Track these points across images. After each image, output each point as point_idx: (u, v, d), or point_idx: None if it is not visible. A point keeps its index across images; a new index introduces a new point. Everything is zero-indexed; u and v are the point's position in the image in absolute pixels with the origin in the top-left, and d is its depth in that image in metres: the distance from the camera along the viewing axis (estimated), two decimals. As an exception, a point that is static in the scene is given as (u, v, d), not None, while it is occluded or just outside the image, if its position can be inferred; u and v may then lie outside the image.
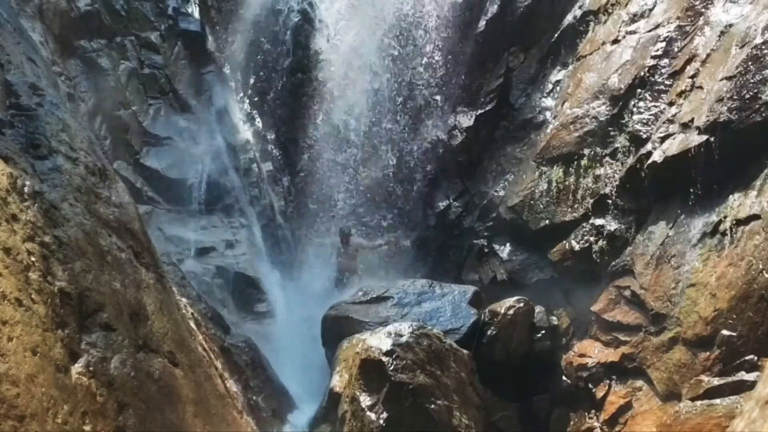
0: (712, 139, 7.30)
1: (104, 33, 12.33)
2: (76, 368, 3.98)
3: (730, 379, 6.44)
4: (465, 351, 7.88)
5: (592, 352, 8.21)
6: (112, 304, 4.55)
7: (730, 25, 7.75)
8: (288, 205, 13.12)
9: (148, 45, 12.96)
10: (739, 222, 6.86)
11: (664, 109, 8.22)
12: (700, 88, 7.75)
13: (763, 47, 7.08)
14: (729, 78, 7.28)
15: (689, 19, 8.43)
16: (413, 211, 12.09)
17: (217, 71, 13.74)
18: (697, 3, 8.39)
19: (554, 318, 8.98)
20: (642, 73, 8.60)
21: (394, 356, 6.99)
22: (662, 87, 8.38)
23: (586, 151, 9.04)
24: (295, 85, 13.28)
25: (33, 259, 4.01)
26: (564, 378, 8.41)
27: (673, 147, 7.76)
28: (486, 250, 10.56)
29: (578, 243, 8.85)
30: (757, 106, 6.96)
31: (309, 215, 12.86)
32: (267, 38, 13.64)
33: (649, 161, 8.00)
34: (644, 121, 8.38)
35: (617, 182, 8.55)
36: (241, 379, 7.66)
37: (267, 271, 12.09)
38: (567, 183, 9.21)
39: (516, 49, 11.24)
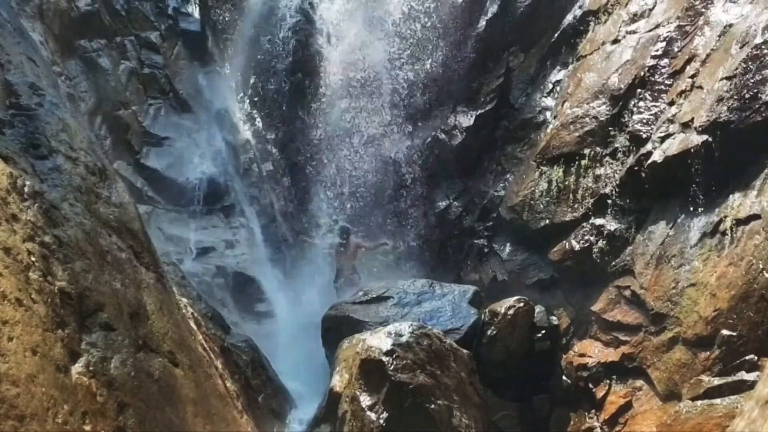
0: (712, 139, 7.30)
1: (104, 33, 12.34)
2: (76, 368, 3.98)
3: (730, 379, 6.44)
4: (465, 351, 7.88)
5: (592, 351, 8.21)
6: (112, 304, 4.56)
7: (730, 25, 7.75)
8: (288, 205, 13.12)
9: (148, 45, 12.97)
10: (739, 222, 6.86)
11: (664, 108, 8.22)
12: (700, 88, 7.75)
13: (763, 47, 7.08)
14: (729, 78, 7.28)
15: (689, 19, 8.43)
16: (413, 211, 12.09)
17: (217, 71, 13.74)
18: (697, 3, 8.39)
19: (554, 318, 8.98)
20: (642, 73, 8.60)
21: (394, 356, 6.99)
22: (662, 87, 8.38)
23: (586, 151, 9.03)
24: (295, 85, 13.29)
25: (33, 259, 4.01)
26: (564, 378, 8.40)
27: (673, 147, 7.76)
28: (486, 250, 10.56)
29: (578, 243, 8.84)
30: (757, 106, 6.96)
31: (309, 215, 12.86)
32: (267, 38, 13.64)
33: (649, 161, 7.99)
34: (644, 120, 8.38)
35: (617, 182, 8.54)
36: (241, 379, 7.65)
37: (267, 271, 12.10)
38: (567, 183, 9.21)
39: (516, 49, 11.24)
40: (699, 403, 6.53)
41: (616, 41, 9.31)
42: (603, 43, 9.53)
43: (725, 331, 6.57)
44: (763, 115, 6.91)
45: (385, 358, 6.97)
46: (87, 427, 3.79)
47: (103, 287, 4.55)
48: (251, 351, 8.53)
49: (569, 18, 10.42)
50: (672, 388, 7.01)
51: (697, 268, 7.14)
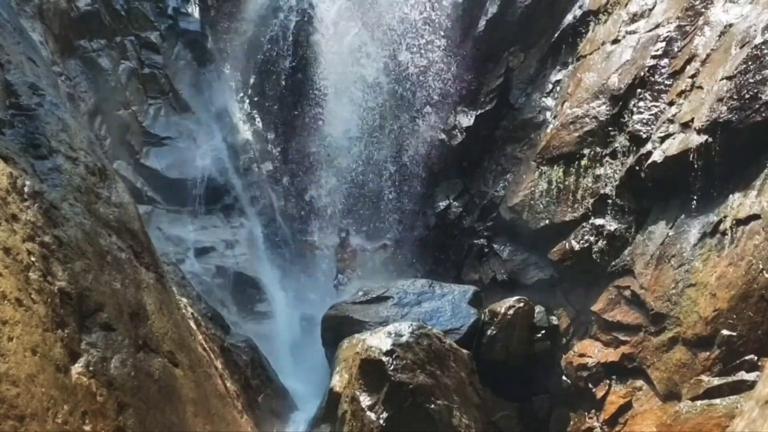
0: (712, 139, 7.30)
1: (104, 33, 12.33)
2: (76, 368, 3.98)
3: (730, 378, 6.44)
4: (465, 351, 7.88)
5: (592, 351, 8.21)
6: (112, 304, 4.56)
7: (730, 25, 7.75)
8: (288, 205, 13.12)
9: (148, 45, 12.96)
10: (739, 222, 6.86)
11: (664, 109, 8.22)
12: (700, 88, 7.75)
13: (763, 47, 7.08)
14: (729, 78, 7.28)
15: (689, 19, 8.43)
16: (413, 211, 12.09)
17: (217, 71, 13.73)
18: (697, 3, 8.39)
19: (554, 318, 8.98)
20: (642, 73, 8.59)
21: (394, 356, 6.99)
22: (662, 87, 8.38)
23: (586, 151, 9.03)
24: (295, 85, 13.29)
25: (33, 259, 4.01)
26: (564, 378, 8.40)
27: (673, 147, 7.76)
28: (486, 250, 10.56)
29: (578, 243, 8.84)
30: (757, 106, 6.96)
31: (309, 215, 12.86)
32: (267, 38, 13.63)
33: (649, 161, 7.99)
34: (644, 121, 8.38)
35: (617, 182, 8.54)
36: (241, 379, 7.66)
37: (267, 271, 12.09)
38: (567, 183, 9.21)
39: (516, 49, 11.24)
40: (699, 403, 6.53)
41: (616, 41, 9.31)
42: (603, 43, 9.53)
43: (725, 331, 6.58)
44: (763, 115, 6.91)
45: (385, 358, 6.97)
46: (87, 427, 3.79)
47: (103, 287, 4.55)
48: (251, 351, 8.53)
49: (569, 18, 10.42)
50: (672, 388, 7.01)
51: (697, 268, 7.14)
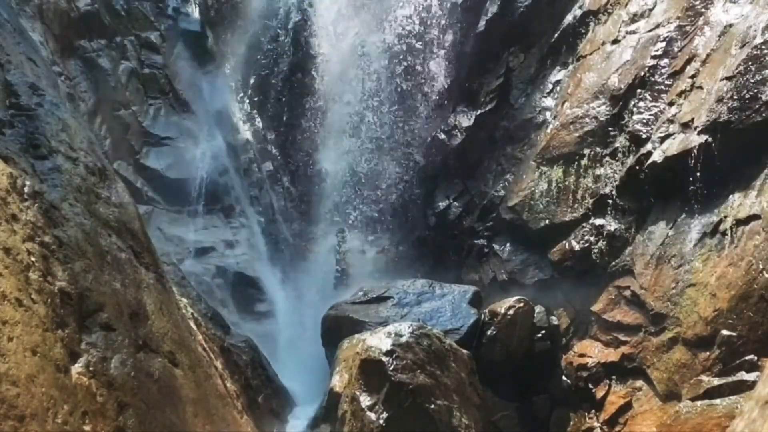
0: (712, 139, 7.30)
1: (104, 33, 12.34)
2: (76, 368, 3.98)
3: (730, 379, 6.44)
4: (465, 351, 7.88)
5: (592, 352, 8.21)
6: (112, 304, 4.56)
7: (730, 25, 7.75)
8: (288, 205, 13.13)
9: (148, 45, 12.97)
10: (739, 222, 6.86)
11: (664, 109, 8.22)
12: (700, 88, 7.76)
13: (763, 47, 7.08)
14: (729, 78, 7.28)
15: (689, 19, 8.43)
16: (413, 211, 12.09)
17: (217, 71, 13.75)
18: (697, 3, 8.40)
19: (554, 318, 8.97)
20: (642, 73, 8.60)
21: (394, 356, 6.99)
22: (662, 87, 8.38)
23: (586, 151, 9.03)
24: (295, 85, 13.30)
25: (33, 259, 4.01)
26: (564, 378, 8.40)
27: (673, 147, 7.76)
28: (486, 250, 10.55)
29: (578, 243, 8.84)
30: (757, 106, 6.97)
31: (309, 215, 12.87)
32: (267, 38, 13.65)
33: (649, 161, 8.00)
34: (644, 121, 8.38)
35: (617, 182, 8.54)
36: (241, 379, 7.66)
37: (267, 271, 12.11)
38: (567, 183, 9.21)
39: (516, 49, 11.23)
40: (699, 403, 6.53)
41: (616, 41, 9.31)
42: (603, 44, 9.53)
43: (725, 332, 6.58)
44: (763, 115, 6.91)
45: (385, 358, 6.98)
46: (87, 428, 3.80)
47: (103, 287, 4.55)
48: (251, 351, 8.54)
49: (569, 18, 10.41)
50: (672, 388, 7.01)
51: (697, 269, 7.14)
